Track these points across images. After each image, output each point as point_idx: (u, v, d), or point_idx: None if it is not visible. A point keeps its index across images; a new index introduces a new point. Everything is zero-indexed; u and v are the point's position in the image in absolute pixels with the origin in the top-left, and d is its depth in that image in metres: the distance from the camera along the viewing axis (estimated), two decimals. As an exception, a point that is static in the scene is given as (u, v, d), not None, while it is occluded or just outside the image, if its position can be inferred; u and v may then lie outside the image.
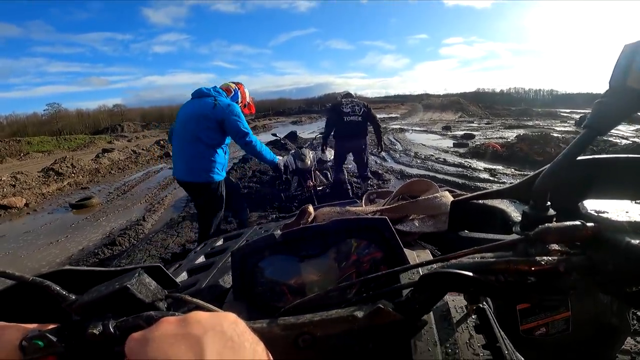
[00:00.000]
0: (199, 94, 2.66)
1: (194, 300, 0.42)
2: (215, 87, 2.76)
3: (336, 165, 4.84)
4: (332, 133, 4.71)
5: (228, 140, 2.77)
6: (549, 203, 0.46)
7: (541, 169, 0.62)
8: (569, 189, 0.51)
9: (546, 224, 0.36)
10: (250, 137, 2.67)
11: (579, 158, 0.46)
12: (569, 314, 0.70)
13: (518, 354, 0.52)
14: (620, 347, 0.80)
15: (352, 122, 4.49)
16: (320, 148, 5.18)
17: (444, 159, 7.88)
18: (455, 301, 0.58)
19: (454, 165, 7.19)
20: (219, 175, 2.73)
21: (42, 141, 22.89)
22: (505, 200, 0.74)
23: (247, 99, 3.03)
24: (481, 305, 0.56)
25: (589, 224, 0.35)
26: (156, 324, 0.30)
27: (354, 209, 0.96)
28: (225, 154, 2.81)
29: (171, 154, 3.09)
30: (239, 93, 2.91)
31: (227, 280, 0.82)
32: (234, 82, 2.96)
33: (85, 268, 0.49)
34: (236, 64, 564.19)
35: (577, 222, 0.35)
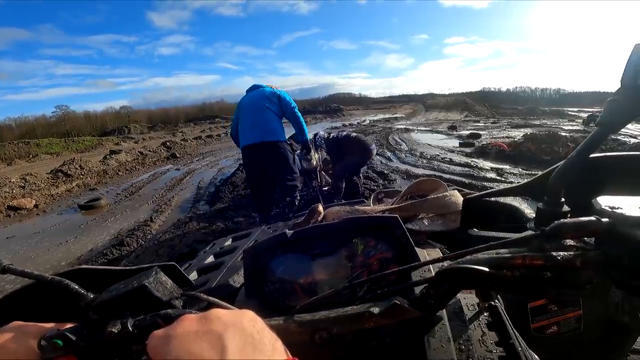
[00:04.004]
0: (255, 87, 3.58)
1: (210, 298, 0.42)
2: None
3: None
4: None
5: None
6: (563, 199, 0.46)
7: (553, 167, 0.62)
8: (583, 185, 0.51)
9: (561, 220, 0.36)
10: (297, 109, 3.56)
11: (592, 155, 0.46)
12: (580, 312, 0.70)
13: (531, 351, 0.51)
14: (632, 346, 0.79)
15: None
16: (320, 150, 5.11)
17: (450, 158, 7.82)
18: (467, 299, 0.58)
19: (460, 165, 7.13)
20: (284, 137, 3.54)
21: (50, 143, 23.18)
22: (517, 198, 0.74)
23: None
24: (493, 303, 0.56)
25: (604, 219, 0.36)
26: (177, 321, 0.31)
27: (362, 208, 0.96)
28: None
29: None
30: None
31: (237, 280, 0.82)
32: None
33: (101, 267, 0.50)
34: (240, 65, 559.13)
35: (592, 218, 0.35)
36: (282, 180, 3.46)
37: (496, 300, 0.57)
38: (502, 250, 0.41)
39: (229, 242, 1.35)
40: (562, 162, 0.47)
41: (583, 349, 0.73)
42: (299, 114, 3.58)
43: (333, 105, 56.97)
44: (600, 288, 0.42)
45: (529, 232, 0.53)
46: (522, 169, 6.44)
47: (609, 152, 0.64)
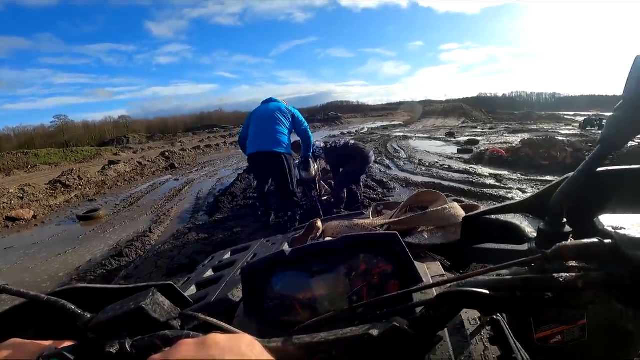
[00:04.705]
0: (272, 100, 3.94)
1: (207, 318, 0.42)
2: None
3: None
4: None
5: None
6: (564, 220, 0.45)
7: (554, 183, 0.61)
8: (585, 203, 0.51)
9: (563, 242, 0.36)
10: (309, 128, 3.98)
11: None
12: (584, 321, 0.69)
13: None
14: (637, 352, 0.78)
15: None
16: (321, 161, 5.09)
17: (449, 165, 7.83)
18: (469, 313, 0.57)
19: (459, 171, 7.15)
20: (291, 151, 3.87)
21: (49, 153, 23.24)
22: (518, 215, 0.73)
23: None
24: (495, 317, 0.55)
25: (606, 241, 0.35)
26: (175, 346, 0.30)
27: (362, 221, 0.96)
28: None
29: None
30: None
31: (235, 294, 0.82)
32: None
33: (98, 286, 0.50)
34: (238, 73, 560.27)
35: (595, 240, 0.35)
36: (283, 191, 3.75)
37: (498, 314, 0.57)
38: (502, 272, 0.41)
39: (227, 256, 1.34)
40: (564, 178, 0.47)
41: (588, 357, 0.73)
42: (310, 133, 4.01)
43: (331, 113, 57.21)
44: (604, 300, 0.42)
45: (529, 247, 0.53)
46: (521, 175, 6.45)
47: (611, 163, 0.63)
